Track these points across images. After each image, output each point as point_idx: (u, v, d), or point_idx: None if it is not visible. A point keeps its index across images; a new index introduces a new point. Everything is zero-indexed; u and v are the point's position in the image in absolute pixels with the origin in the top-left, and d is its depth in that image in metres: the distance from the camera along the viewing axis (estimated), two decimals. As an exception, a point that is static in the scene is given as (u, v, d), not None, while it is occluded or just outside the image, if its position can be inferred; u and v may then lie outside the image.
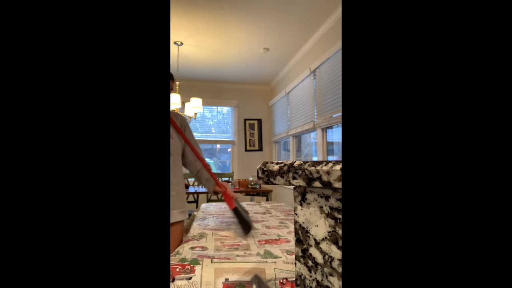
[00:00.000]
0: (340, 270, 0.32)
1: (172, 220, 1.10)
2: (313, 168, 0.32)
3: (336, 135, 2.56)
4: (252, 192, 2.96)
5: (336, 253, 0.32)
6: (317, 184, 0.32)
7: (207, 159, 4.08)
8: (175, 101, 2.49)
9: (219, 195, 3.16)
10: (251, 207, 1.67)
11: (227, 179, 3.43)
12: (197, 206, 3.19)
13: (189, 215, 3.18)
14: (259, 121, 4.29)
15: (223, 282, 0.64)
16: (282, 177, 0.36)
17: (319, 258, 0.35)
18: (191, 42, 2.77)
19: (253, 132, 4.26)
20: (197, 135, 3.99)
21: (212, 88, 4.13)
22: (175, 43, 2.75)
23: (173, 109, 1.13)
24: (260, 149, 4.25)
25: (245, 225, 1.04)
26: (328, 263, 0.33)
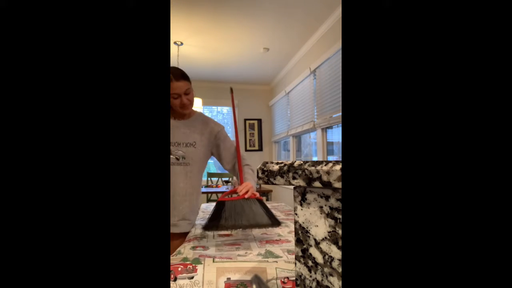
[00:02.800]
0: (340, 270, 0.32)
1: (178, 230, 1.07)
2: (313, 168, 0.32)
3: (336, 135, 2.56)
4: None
5: (336, 253, 0.32)
6: (317, 184, 0.32)
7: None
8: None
9: (220, 195, 3.17)
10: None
11: (227, 179, 3.43)
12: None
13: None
14: (259, 121, 4.29)
15: (225, 281, 0.64)
16: (282, 177, 0.36)
17: (319, 258, 0.35)
18: (191, 42, 2.77)
19: (253, 132, 4.26)
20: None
21: (212, 88, 4.13)
22: (175, 43, 2.75)
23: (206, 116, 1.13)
24: (260, 149, 4.25)
25: (272, 217, 0.89)
26: (328, 263, 0.33)
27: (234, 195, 0.93)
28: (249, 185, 0.96)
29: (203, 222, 1.22)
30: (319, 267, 0.35)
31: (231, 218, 0.83)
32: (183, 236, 1.11)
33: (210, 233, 1.03)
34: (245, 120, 4.25)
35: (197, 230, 1.08)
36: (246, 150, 4.19)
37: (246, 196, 0.90)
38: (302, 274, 0.37)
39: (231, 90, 1.23)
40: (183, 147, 1.08)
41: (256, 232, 1.03)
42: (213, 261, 0.70)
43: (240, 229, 0.83)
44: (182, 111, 1.08)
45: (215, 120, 1.23)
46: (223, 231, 0.89)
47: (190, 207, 1.10)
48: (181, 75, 1.03)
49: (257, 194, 0.93)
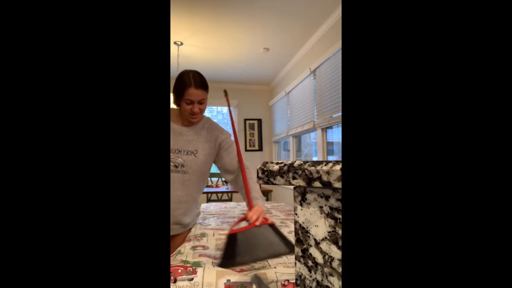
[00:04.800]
0: (340, 270, 0.32)
1: (172, 233, 1.08)
2: (313, 168, 0.32)
3: (336, 135, 2.55)
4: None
5: (336, 253, 0.32)
6: (317, 184, 0.32)
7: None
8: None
9: (220, 195, 3.17)
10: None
11: (227, 179, 3.42)
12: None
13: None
14: (259, 121, 4.28)
15: (224, 283, 0.64)
16: (282, 177, 0.36)
17: (319, 258, 0.35)
18: (191, 42, 2.77)
19: (253, 132, 4.26)
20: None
21: (212, 88, 4.10)
22: (175, 43, 2.75)
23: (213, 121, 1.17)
24: (260, 149, 4.25)
25: (287, 242, 0.79)
26: (328, 263, 0.33)
27: (243, 223, 0.87)
28: (260, 209, 0.87)
29: (204, 222, 1.23)
30: (319, 267, 0.35)
31: (247, 252, 0.75)
32: (177, 236, 1.10)
33: (210, 233, 1.04)
34: (245, 120, 4.25)
35: (197, 230, 1.08)
36: (246, 150, 4.18)
37: (257, 223, 0.82)
38: (302, 274, 0.37)
39: (225, 93, 1.15)
40: (183, 155, 1.06)
41: None
42: (213, 264, 0.70)
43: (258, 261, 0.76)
44: (190, 119, 1.05)
45: (215, 120, 1.19)
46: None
47: (185, 213, 1.09)
48: (201, 84, 1.00)
49: (269, 219, 0.86)
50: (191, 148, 1.07)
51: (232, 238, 0.78)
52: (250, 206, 0.92)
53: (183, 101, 1.01)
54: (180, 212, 1.06)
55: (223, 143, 1.11)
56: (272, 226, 0.84)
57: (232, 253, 0.75)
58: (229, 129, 4.17)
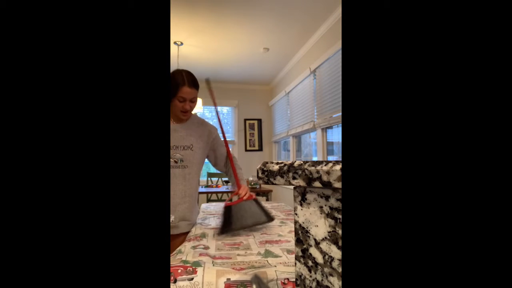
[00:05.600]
0: (340, 270, 0.32)
1: (178, 231, 1.11)
2: (313, 168, 0.32)
3: (336, 135, 2.56)
4: (252, 192, 2.96)
5: (336, 253, 0.32)
6: (317, 184, 0.32)
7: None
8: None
9: (220, 195, 3.17)
10: (251, 207, 1.67)
11: (227, 179, 3.43)
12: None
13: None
14: (259, 121, 4.28)
15: (224, 282, 0.64)
16: (282, 177, 0.36)
17: (319, 258, 0.35)
18: (191, 42, 2.77)
19: (253, 132, 4.26)
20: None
21: (212, 88, 4.13)
22: (175, 43, 2.75)
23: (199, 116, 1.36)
24: (260, 149, 4.25)
25: (268, 214, 1.09)
26: (328, 263, 0.33)
27: (235, 197, 1.14)
28: (246, 188, 1.15)
29: (204, 222, 1.23)
30: (319, 267, 0.35)
31: (239, 220, 1.02)
32: (184, 235, 1.13)
33: (210, 232, 1.04)
34: (245, 120, 4.25)
35: (198, 230, 1.08)
36: (246, 150, 4.18)
37: (244, 198, 1.10)
38: (302, 274, 0.37)
39: (207, 81, 1.31)
40: (181, 150, 1.12)
41: (256, 232, 1.04)
42: (213, 264, 0.70)
43: (247, 229, 1.03)
44: (181, 116, 1.11)
45: (215, 120, 1.26)
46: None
47: (190, 208, 1.13)
48: (193, 83, 1.09)
49: (253, 195, 1.14)
50: (186, 143, 1.14)
51: (228, 210, 1.05)
52: (238, 186, 1.18)
53: (175, 98, 1.08)
54: (185, 206, 1.12)
55: (216, 137, 1.25)
56: (256, 200, 1.14)
57: (229, 222, 1.02)
58: (229, 129, 4.19)
